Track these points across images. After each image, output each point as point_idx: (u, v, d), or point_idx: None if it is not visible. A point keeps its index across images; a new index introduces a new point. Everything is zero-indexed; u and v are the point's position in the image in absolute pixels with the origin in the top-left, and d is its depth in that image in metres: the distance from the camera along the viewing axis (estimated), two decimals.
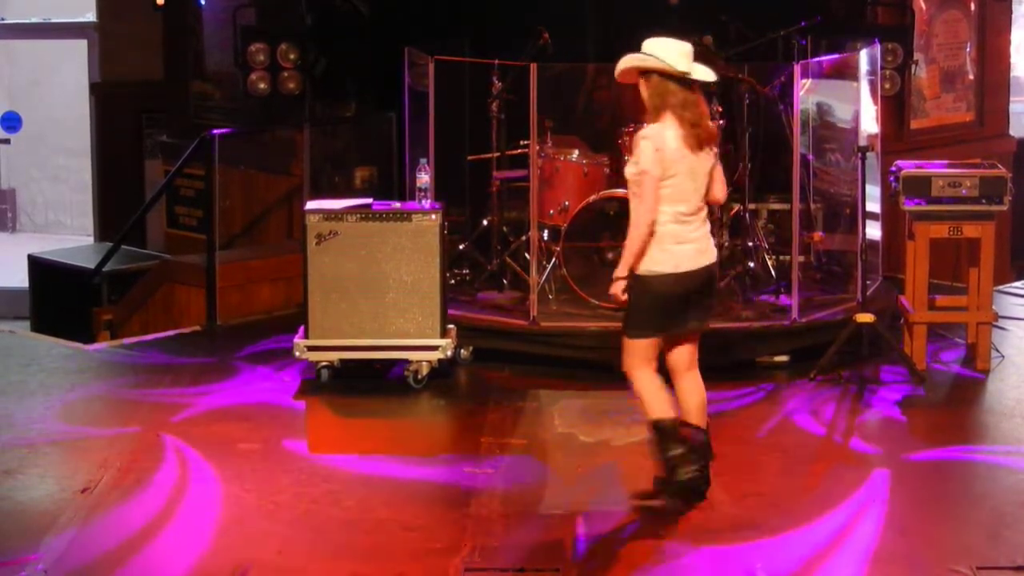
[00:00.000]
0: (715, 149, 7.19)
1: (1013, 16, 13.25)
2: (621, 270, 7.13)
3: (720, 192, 7.26)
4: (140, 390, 9.22)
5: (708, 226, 7.25)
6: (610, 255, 9.92)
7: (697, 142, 7.05)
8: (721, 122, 10.07)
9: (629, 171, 7.15)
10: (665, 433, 7.21)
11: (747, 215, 10.22)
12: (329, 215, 9.18)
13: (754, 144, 10.31)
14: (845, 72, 10.42)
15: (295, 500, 7.47)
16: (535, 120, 9.60)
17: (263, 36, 11.73)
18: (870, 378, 9.27)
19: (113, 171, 15.33)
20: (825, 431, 8.60)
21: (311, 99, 12.12)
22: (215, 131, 11.22)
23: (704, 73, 7.08)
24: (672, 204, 7.08)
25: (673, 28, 10.51)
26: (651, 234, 7.06)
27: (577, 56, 10.77)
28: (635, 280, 7.13)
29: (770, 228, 10.56)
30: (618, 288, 7.13)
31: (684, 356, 7.32)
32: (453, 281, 10.13)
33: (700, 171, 7.10)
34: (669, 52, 7.04)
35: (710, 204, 7.30)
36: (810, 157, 10.39)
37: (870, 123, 10.18)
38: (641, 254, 7.07)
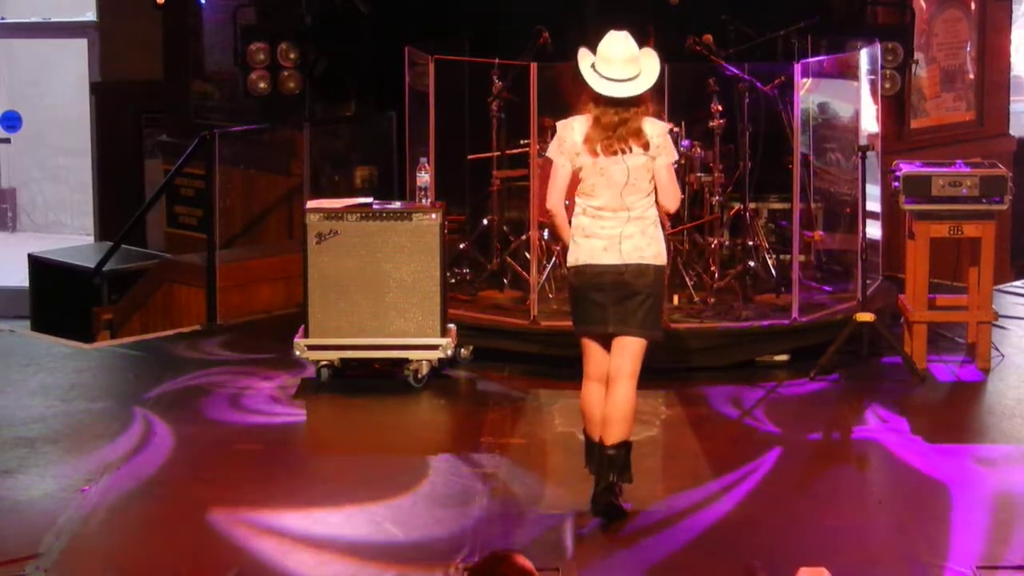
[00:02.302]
0: (655, 154, 7.07)
1: (1013, 16, 13.24)
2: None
3: (665, 200, 7.14)
4: (140, 390, 9.22)
5: (640, 228, 7.10)
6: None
7: (605, 146, 7.03)
8: (721, 122, 10.08)
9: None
10: (588, 453, 7.28)
11: (747, 215, 10.22)
12: (329, 214, 9.18)
13: (754, 144, 10.31)
14: (845, 72, 10.42)
15: (294, 500, 7.46)
16: (535, 120, 9.61)
17: (263, 36, 11.73)
18: (870, 378, 9.26)
19: (113, 171, 15.33)
20: (825, 431, 8.60)
21: (311, 99, 12.12)
22: (215, 130, 11.21)
23: (624, 89, 7.03)
24: (585, 197, 7.15)
25: (673, 28, 10.58)
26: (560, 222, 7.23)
27: (577, 56, 10.74)
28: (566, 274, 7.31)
29: (771, 228, 10.55)
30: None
31: (614, 362, 7.17)
32: (453, 281, 10.13)
33: (613, 171, 7.05)
34: (608, 67, 7.05)
35: (660, 210, 7.22)
36: (810, 157, 10.39)
37: (870, 122, 10.18)
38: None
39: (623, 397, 7.13)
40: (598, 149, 7.05)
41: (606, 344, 7.18)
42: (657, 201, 7.15)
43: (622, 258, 7.08)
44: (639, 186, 7.09)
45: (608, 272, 7.08)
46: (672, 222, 9.78)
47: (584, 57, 7.17)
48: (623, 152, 7.04)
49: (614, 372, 7.16)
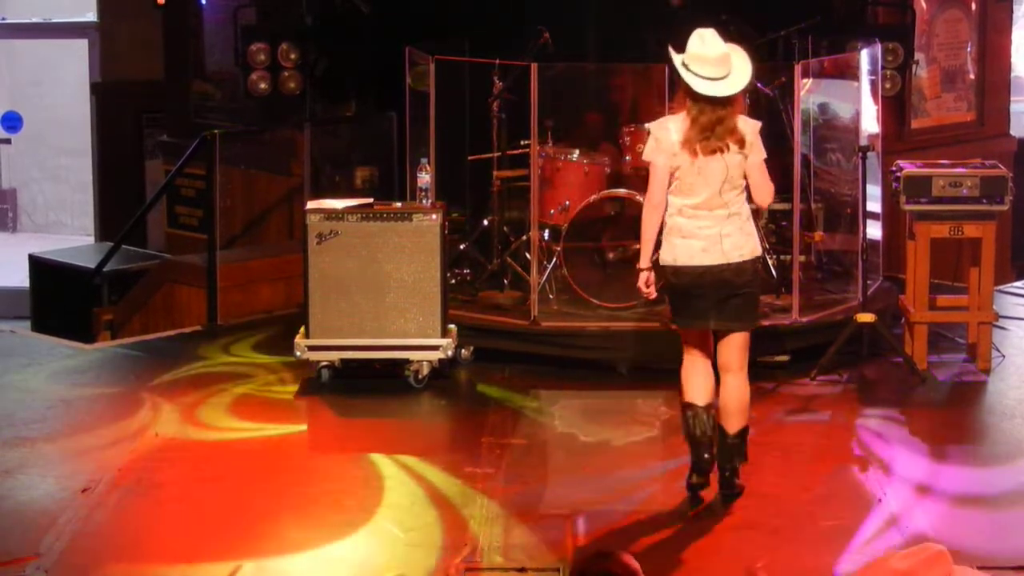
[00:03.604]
0: (748, 152, 7.14)
1: (1013, 16, 13.24)
2: (641, 261, 7.32)
3: (759, 196, 7.26)
4: (140, 390, 9.21)
5: (737, 225, 7.21)
6: (611, 255, 9.92)
7: (704, 146, 7.08)
8: None
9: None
10: (685, 417, 7.37)
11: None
12: (330, 215, 9.18)
13: None
14: (846, 72, 10.42)
15: (294, 500, 7.47)
16: (535, 120, 9.60)
17: (263, 36, 11.72)
18: (870, 378, 9.26)
19: (113, 171, 15.34)
20: (825, 431, 8.60)
21: (311, 99, 12.12)
22: (216, 131, 11.21)
23: (721, 88, 7.08)
24: (680, 197, 7.18)
25: (673, 28, 10.57)
26: (662, 223, 7.25)
27: (577, 56, 10.76)
28: (661, 270, 7.34)
29: (771, 228, 10.54)
30: (641, 280, 7.32)
31: (723, 357, 7.36)
32: (454, 281, 10.13)
33: (712, 169, 7.11)
34: (702, 66, 7.08)
35: (754, 206, 7.37)
36: (811, 157, 10.39)
37: (871, 123, 10.18)
38: (653, 242, 7.27)
39: (739, 389, 7.34)
40: (697, 149, 7.09)
41: (708, 333, 7.32)
42: (750, 197, 7.25)
43: (724, 257, 7.17)
44: (735, 183, 7.17)
45: (709, 272, 7.17)
46: None
47: (674, 56, 7.19)
48: (722, 151, 7.09)
49: (724, 366, 7.34)
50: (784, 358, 9.56)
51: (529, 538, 7.03)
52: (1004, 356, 9.59)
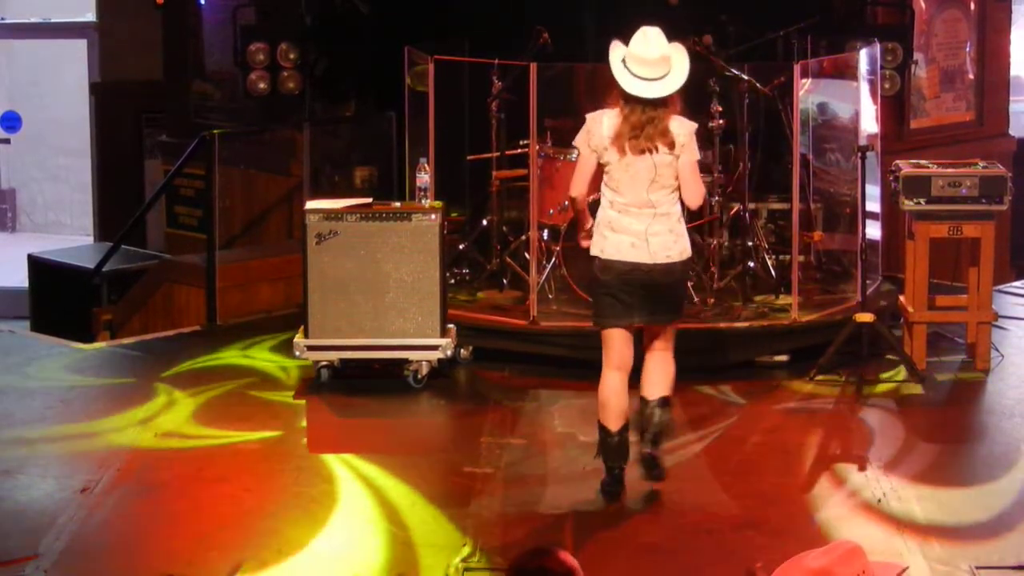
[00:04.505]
0: (679, 152, 7.13)
1: (1013, 16, 13.24)
2: (580, 232, 7.45)
3: (687, 196, 7.23)
4: (140, 390, 9.22)
5: (667, 225, 7.20)
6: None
7: (632, 144, 7.11)
8: (721, 122, 10.08)
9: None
10: (601, 438, 7.40)
11: (747, 215, 10.22)
12: (329, 215, 9.18)
13: (754, 144, 10.31)
14: (845, 72, 10.42)
15: (294, 500, 7.47)
16: (535, 120, 9.61)
17: (263, 36, 11.73)
18: (870, 378, 9.26)
19: (113, 171, 15.34)
20: (825, 431, 8.60)
21: (311, 99, 12.12)
22: (215, 131, 11.21)
23: (652, 90, 7.09)
24: (611, 191, 7.23)
25: (673, 28, 10.57)
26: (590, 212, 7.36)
27: (577, 56, 10.76)
28: (591, 265, 7.37)
29: (770, 228, 10.55)
30: (582, 237, 7.44)
31: (649, 339, 7.39)
32: (453, 281, 10.13)
33: (639, 168, 7.12)
34: (638, 66, 7.11)
35: (686, 207, 7.33)
36: (810, 157, 10.39)
37: (870, 123, 10.19)
38: (585, 215, 7.37)
39: (664, 361, 7.39)
40: (626, 147, 7.12)
41: (628, 334, 7.30)
42: (680, 198, 7.24)
43: (651, 257, 7.17)
44: (664, 183, 7.17)
45: (637, 270, 7.18)
46: None
47: (616, 49, 7.22)
48: (650, 151, 7.09)
49: (650, 346, 7.38)
50: (784, 358, 9.56)
51: (529, 538, 7.03)
52: (1003, 356, 9.60)
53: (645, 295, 7.21)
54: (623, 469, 7.41)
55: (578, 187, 7.28)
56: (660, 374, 7.38)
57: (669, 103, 7.15)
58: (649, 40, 7.16)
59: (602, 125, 7.19)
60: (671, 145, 7.12)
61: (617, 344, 7.31)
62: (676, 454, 8.17)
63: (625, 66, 7.15)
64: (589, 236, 7.35)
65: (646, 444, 7.42)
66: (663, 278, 7.21)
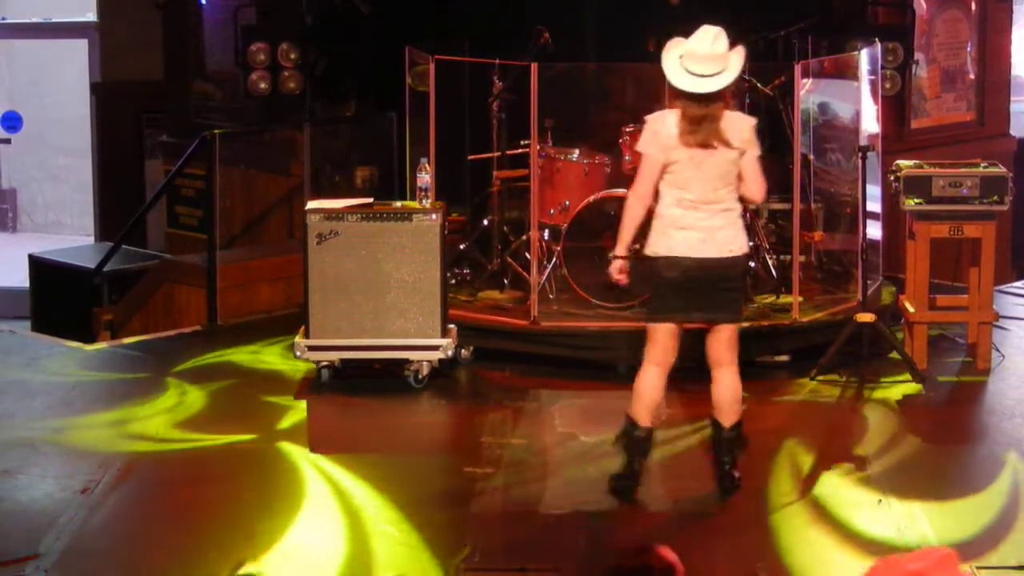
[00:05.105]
0: (741, 148, 7.15)
1: (1013, 16, 13.24)
2: (618, 249, 7.33)
3: (750, 191, 7.28)
4: (139, 390, 9.22)
5: (729, 220, 7.24)
6: (611, 254, 9.90)
7: (696, 139, 7.11)
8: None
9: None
10: (626, 430, 7.38)
11: (748, 215, 10.20)
12: (330, 215, 9.18)
13: None
14: (845, 72, 10.42)
15: (294, 500, 7.46)
16: (535, 120, 9.61)
17: (263, 36, 11.73)
18: (870, 378, 9.26)
19: (113, 171, 15.34)
20: (825, 431, 8.60)
21: (311, 99, 12.12)
22: (215, 131, 11.22)
23: (695, 84, 7.09)
24: (676, 189, 7.19)
25: (674, 27, 10.57)
26: (652, 215, 7.26)
27: (577, 56, 10.76)
28: (648, 265, 7.32)
29: (771, 228, 10.55)
30: (614, 268, 7.35)
31: (714, 352, 7.37)
32: (453, 281, 10.13)
33: (708, 163, 7.14)
34: (693, 62, 7.10)
35: (745, 202, 7.39)
36: (811, 157, 10.39)
37: (871, 123, 10.18)
38: (635, 232, 7.30)
39: (732, 384, 7.39)
40: (691, 142, 7.12)
41: (677, 331, 7.29)
42: (743, 193, 7.26)
43: (719, 251, 7.19)
44: (729, 179, 7.19)
45: (706, 264, 7.18)
46: None
47: (675, 47, 7.22)
48: (713, 146, 7.11)
49: (716, 361, 7.37)
50: (784, 358, 9.56)
51: (529, 538, 7.03)
52: (1004, 356, 9.59)
53: (711, 291, 7.21)
54: (641, 465, 7.40)
55: (644, 191, 7.22)
56: (731, 397, 7.38)
57: (720, 99, 7.15)
58: (707, 38, 7.16)
59: (667, 124, 7.18)
60: (728, 140, 7.13)
61: (663, 339, 7.29)
62: (677, 454, 8.18)
63: (682, 63, 7.13)
64: (625, 258, 7.30)
65: (725, 463, 7.41)
66: (729, 271, 7.25)
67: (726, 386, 7.39)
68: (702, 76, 7.11)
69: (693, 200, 7.18)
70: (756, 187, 7.28)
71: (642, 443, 7.38)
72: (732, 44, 7.25)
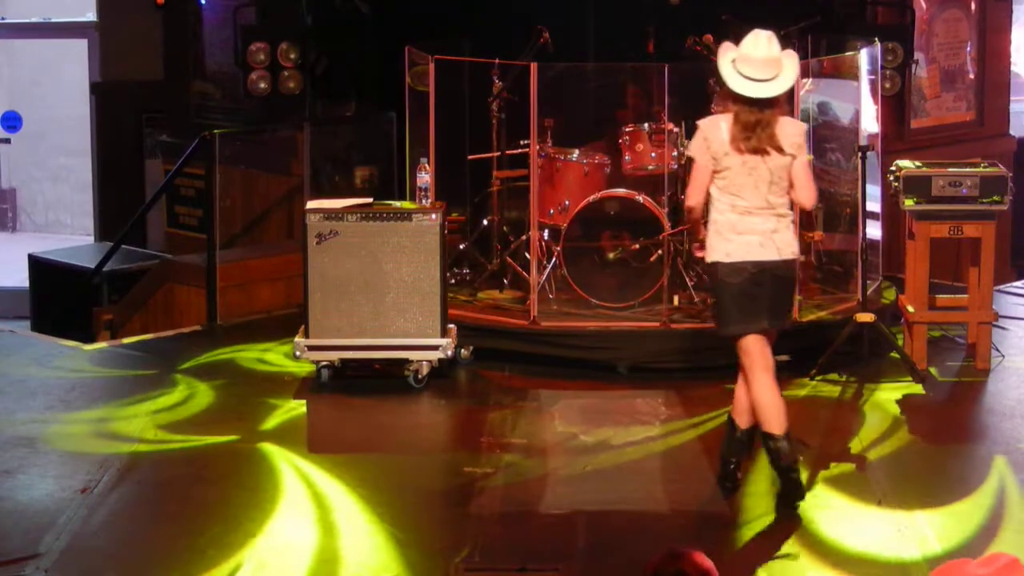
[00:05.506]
0: (793, 153, 7.12)
1: (1013, 15, 13.24)
2: (699, 234, 7.41)
3: (801, 197, 7.23)
4: (139, 390, 9.22)
5: (784, 223, 7.19)
6: (611, 255, 9.92)
7: (749, 145, 7.06)
8: None
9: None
10: (769, 451, 7.29)
11: None
12: (329, 215, 9.18)
13: None
14: (845, 72, 10.42)
15: (294, 500, 7.47)
16: (535, 120, 9.61)
17: (263, 36, 11.73)
18: (870, 378, 9.26)
19: (113, 171, 15.33)
20: (825, 431, 8.60)
21: (311, 99, 12.12)
22: (215, 131, 11.22)
23: (760, 90, 7.05)
24: (730, 195, 7.15)
25: (673, 28, 10.58)
26: (703, 221, 7.29)
27: (577, 56, 10.76)
28: (709, 273, 7.34)
29: None
30: (696, 247, 7.52)
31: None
32: (453, 281, 10.13)
33: (759, 169, 7.09)
34: (748, 67, 7.07)
35: (798, 206, 7.38)
36: (810, 157, 10.37)
37: (870, 122, 10.18)
38: (700, 223, 7.32)
39: (774, 384, 7.27)
40: (743, 148, 7.08)
41: (763, 336, 7.22)
42: (794, 199, 7.24)
43: (779, 253, 7.15)
44: (781, 185, 7.15)
45: (767, 268, 7.13)
46: (672, 223, 9.79)
47: (727, 52, 7.19)
48: (765, 152, 7.08)
49: (755, 368, 7.26)
50: (784, 358, 9.52)
51: (529, 538, 7.03)
52: (1004, 356, 9.59)
53: (773, 294, 7.17)
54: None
55: (697, 196, 7.17)
56: (775, 402, 7.25)
57: (776, 104, 7.12)
58: (761, 42, 7.12)
59: (720, 130, 7.12)
60: (781, 146, 7.09)
61: (759, 348, 7.19)
62: (678, 454, 8.18)
63: (735, 67, 7.11)
64: (703, 247, 7.31)
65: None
66: (788, 273, 7.23)
67: (769, 387, 7.24)
68: (758, 80, 7.06)
69: (747, 206, 7.12)
70: (807, 193, 7.22)
71: (785, 450, 7.25)
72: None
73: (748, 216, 7.13)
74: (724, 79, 7.11)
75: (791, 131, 7.16)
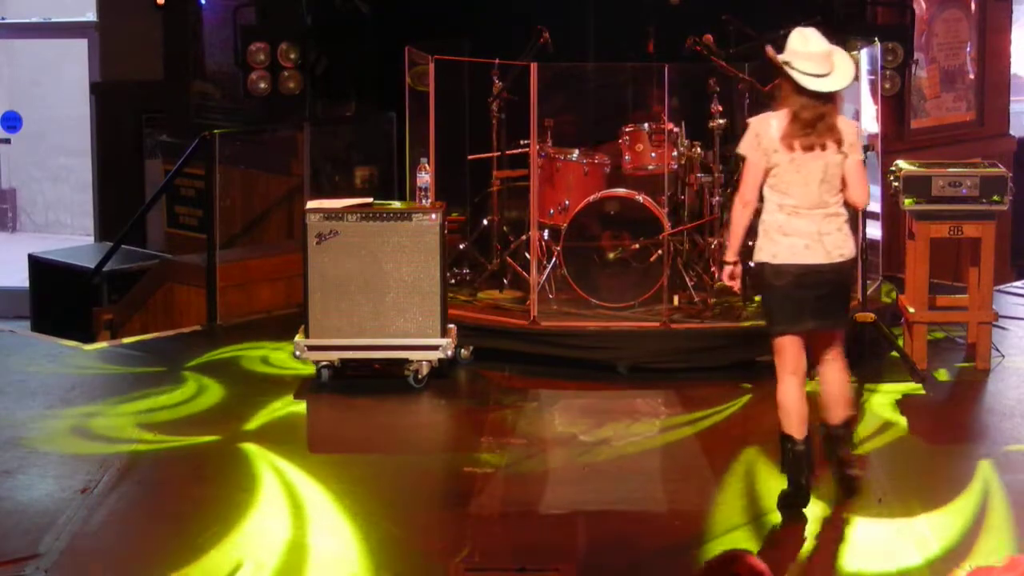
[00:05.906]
0: (848, 151, 7.09)
1: (1013, 15, 13.24)
2: (728, 255, 7.30)
3: (854, 195, 7.18)
4: (139, 390, 9.22)
5: (837, 224, 7.14)
6: (611, 255, 9.91)
7: (803, 142, 7.02)
8: (721, 122, 10.07)
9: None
10: (784, 449, 7.21)
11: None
12: (329, 214, 9.18)
13: None
14: None
15: (294, 500, 7.47)
16: (535, 120, 9.61)
17: (263, 36, 11.73)
18: (870, 378, 9.26)
19: (113, 171, 15.33)
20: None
21: (311, 99, 12.12)
22: (215, 131, 11.22)
23: (826, 84, 7.03)
24: (779, 194, 7.12)
25: (673, 28, 10.58)
26: (756, 220, 7.23)
27: (577, 56, 10.76)
28: (756, 272, 7.28)
29: None
30: (726, 273, 7.32)
31: (819, 349, 7.27)
32: (453, 281, 10.13)
33: (809, 167, 7.04)
34: (805, 63, 7.05)
35: (850, 206, 7.30)
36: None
37: (870, 122, 10.17)
38: (741, 238, 7.25)
39: (842, 379, 7.30)
40: (796, 145, 7.03)
41: (802, 340, 7.19)
42: (847, 198, 7.19)
43: (827, 257, 7.09)
44: (833, 182, 7.10)
45: (813, 271, 7.08)
46: (672, 223, 9.79)
47: (776, 55, 7.14)
48: (821, 148, 7.04)
49: (824, 360, 7.27)
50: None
51: (529, 538, 7.03)
52: (1004, 356, 9.59)
53: (819, 297, 7.11)
54: (809, 479, 7.22)
55: (750, 194, 7.14)
56: (840, 391, 7.29)
57: (835, 100, 7.10)
58: (811, 38, 7.12)
59: (771, 127, 7.08)
60: (839, 142, 7.06)
61: (793, 350, 7.16)
62: (677, 453, 8.18)
63: (790, 66, 7.06)
64: (733, 276, 7.27)
65: (840, 466, 7.31)
66: (836, 277, 7.15)
67: (837, 381, 7.28)
68: (819, 76, 7.03)
69: (795, 205, 7.07)
70: (860, 191, 7.19)
71: (803, 456, 7.19)
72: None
73: (795, 217, 7.08)
74: (792, 76, 7.02)
75: (847, 128, 7.14)
